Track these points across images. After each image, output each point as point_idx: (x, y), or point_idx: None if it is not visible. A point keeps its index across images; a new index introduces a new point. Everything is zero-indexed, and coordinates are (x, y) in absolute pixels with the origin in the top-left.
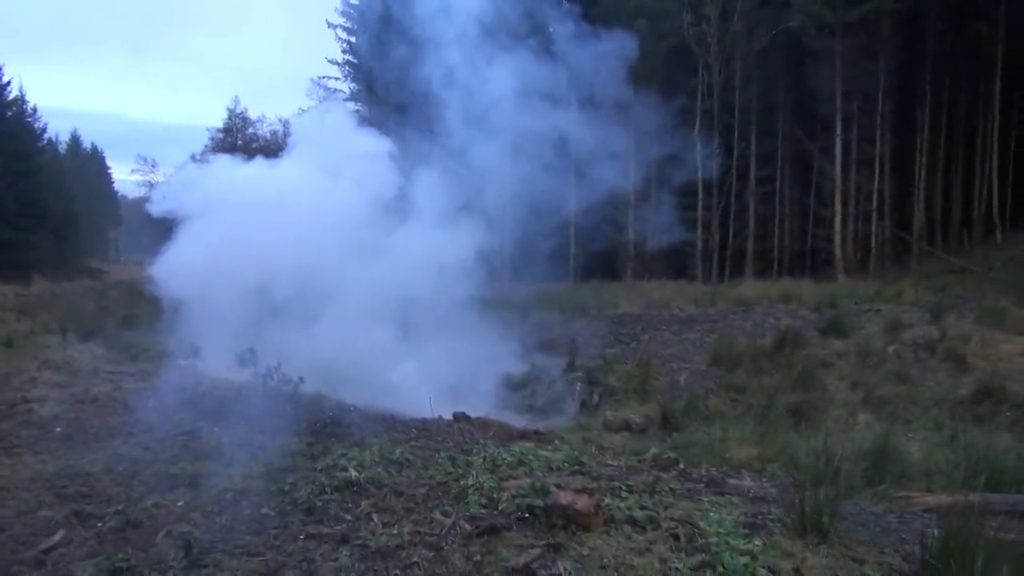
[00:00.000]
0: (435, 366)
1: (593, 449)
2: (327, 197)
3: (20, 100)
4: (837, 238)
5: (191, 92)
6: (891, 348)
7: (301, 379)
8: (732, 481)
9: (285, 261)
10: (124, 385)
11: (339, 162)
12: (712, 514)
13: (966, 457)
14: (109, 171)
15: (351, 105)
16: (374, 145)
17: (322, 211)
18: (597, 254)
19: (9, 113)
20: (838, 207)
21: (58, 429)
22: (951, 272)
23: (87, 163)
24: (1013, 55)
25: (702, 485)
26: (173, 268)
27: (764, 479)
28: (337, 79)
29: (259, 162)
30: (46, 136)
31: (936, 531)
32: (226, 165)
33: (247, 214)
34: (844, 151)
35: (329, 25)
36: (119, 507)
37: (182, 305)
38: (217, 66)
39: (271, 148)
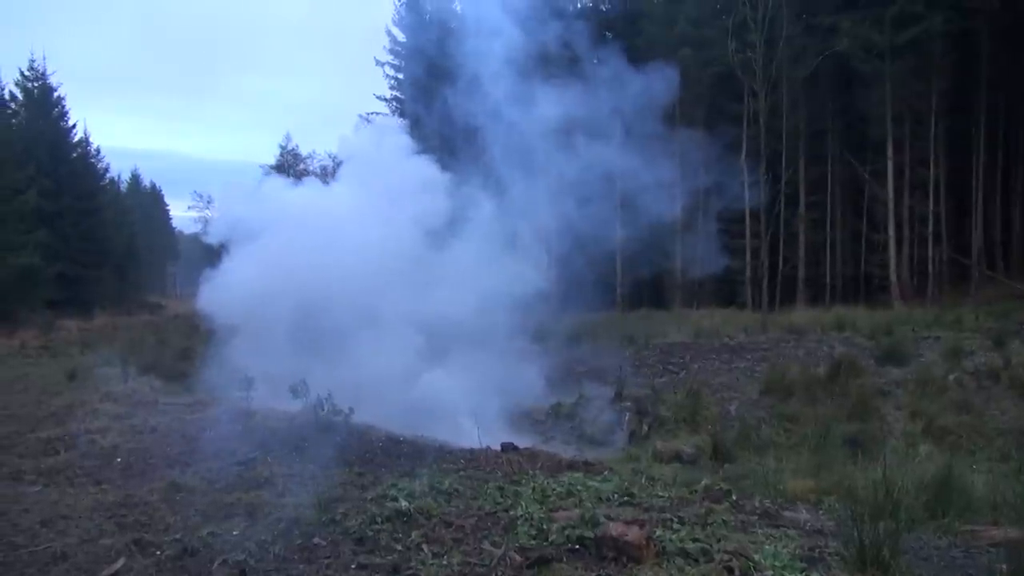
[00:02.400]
0: (482, 395)
1: (643, 480)
2: (379, 223)
3: (84, 142)
4: (892, 263)
5: (244, 130)
6: (952, 376)
7: (351, 410)
8: (787, 513)
9: (333, 284)
10: (181, 416)
11: (394, 186)
12: (767, 547)
13: None
14: (167, 208)
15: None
16: (430, 173)
17: (373, 236)
18: (644, 283)
19: (74, 155)
20: (892, 231)
21: (118, 459)
22: (1014, 297)
23: (146, 201)
24: None
25: (756, 517)
26: (220, 291)
27: (821, 511)
28: (384, 114)
29: (311, 183)
30: (108, 176)
31: (1004, 567)
32: (278, 187)
33: (296, 240)
34: (897, 174)
35: (377, 63)
36: (177, 536)
37: (230, 331)
38: (269, 105)
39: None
